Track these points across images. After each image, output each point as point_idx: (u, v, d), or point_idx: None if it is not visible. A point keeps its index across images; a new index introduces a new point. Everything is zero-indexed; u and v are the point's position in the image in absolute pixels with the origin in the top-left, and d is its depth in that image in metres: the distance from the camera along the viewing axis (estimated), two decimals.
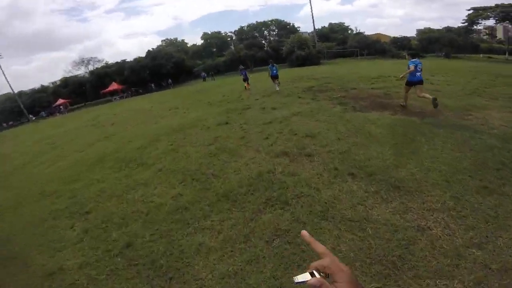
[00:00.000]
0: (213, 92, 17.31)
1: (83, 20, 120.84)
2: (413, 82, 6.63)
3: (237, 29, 55.01)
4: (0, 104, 50.39)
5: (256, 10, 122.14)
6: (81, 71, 48.38)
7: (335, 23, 55.01)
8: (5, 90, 52.15)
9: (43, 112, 42.86)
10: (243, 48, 39.08)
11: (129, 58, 46.06)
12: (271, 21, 54.71)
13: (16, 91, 51.63)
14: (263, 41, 46.87)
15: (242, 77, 16.24)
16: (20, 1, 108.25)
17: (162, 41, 64.19)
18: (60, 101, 40.88)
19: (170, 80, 39.27)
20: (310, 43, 36.90)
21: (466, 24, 40.34)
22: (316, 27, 45.20)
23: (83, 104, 44.68)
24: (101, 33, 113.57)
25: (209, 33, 59.81)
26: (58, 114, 39.79)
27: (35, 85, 53.05)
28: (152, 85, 39.09)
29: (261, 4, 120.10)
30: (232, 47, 49.17)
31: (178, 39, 66.17)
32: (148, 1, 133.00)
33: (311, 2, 44.46)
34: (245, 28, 57.34)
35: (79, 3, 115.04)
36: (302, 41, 36.48)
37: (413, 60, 6.61)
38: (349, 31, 52.40)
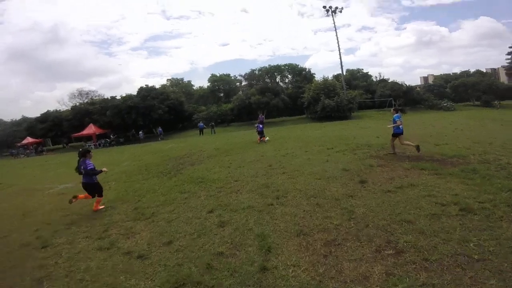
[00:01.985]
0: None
1: (110, 54, 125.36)
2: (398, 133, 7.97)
3: (246, 72, 50.75)
4: None
5: (265, 59, 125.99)
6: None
7: (354, 69, 50.41)
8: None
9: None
10: (255, 93, 32.66)
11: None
12: (285, 65, 50.45)
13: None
14: (279, 85, 40.91)
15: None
16: (59, 28, 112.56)
17: (167, 80, 60.25)
18: (28, 140, 33.89)
19: (140, 132, 32.00)
20: (340, 90, 30.33)
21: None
22: (328, 76, 39.35)
23: (62, 146, 37.60)
24: (123, 70, 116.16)
25: (217, 75, 55.68)
26: (21, 155, 32.47)
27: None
28: (140, 132, 31.87)
29: (270, 54, 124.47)
30: (241, 92, 43.51)
31: (185, 80, 62.68)
32: (169, 43, 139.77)
33: (338, 39, 38.24)
34: (256, 71, 52.95)
35: (110, 36, 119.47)
36: (329, 86, 29.79)
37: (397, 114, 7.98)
38: (372, 78, 47.15)
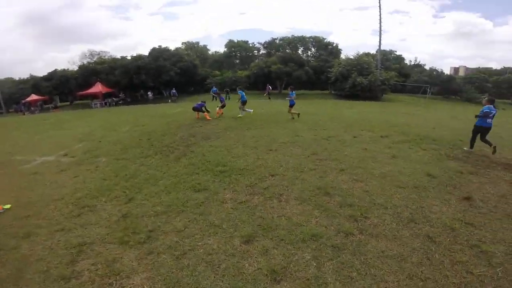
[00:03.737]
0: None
1: (127, 19, 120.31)
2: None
3: (266, 40, 46.48)
4: None
5: (283, 31, 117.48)
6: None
7: (386, 50, 45.28)
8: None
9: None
10: (276, 62, 29.20)
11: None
12: (310, 37, 45.72)
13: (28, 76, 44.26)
14: (306, 57, 37.06)
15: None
16: None
17: (182, 43, 56.37)
18: (33, 97, 32.27)
19: (150, 92, 29.75)
20: (374, 69, 26.67)
21: None
22: (348, 56, 34.11)
23: (69, 103, 36.11)
24: (139, 34, 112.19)
25: (235, 41, 51.59)
26: (26, 113, 31.17)
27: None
28: (149, 93, 29.69)
29: (289, 26, 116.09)
30: (260, 60, 39.94)
31: (200, 44, 58.73)
32: (185, 8, 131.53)
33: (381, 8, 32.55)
34: (277, 40, 48.60)
35: (126, 1, 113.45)
36: (363, 64, 26.10)
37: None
38: (406, 62, 42.50)
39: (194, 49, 55.60)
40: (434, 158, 5.67)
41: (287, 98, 11.30)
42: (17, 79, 46.44)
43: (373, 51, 39.20)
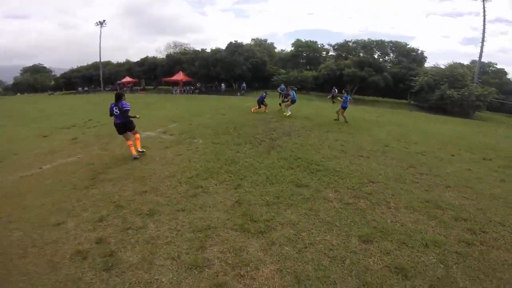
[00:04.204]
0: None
1: (202, 14, 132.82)
2: None
3: (338, 42, 44.56)
4: (85, 69, 52.70)
5: (354, 33, 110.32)
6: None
7: (484, 62, 38.67)
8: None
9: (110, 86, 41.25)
10: (350, 65, 27.81)
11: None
12: (389, 42, 41.99)
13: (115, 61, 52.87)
14: (382, 62, 34.53)
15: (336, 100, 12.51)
16: None
17: (251, 39, 58.40)
18: (127, 79, 37.93)
19: (223, 84, 31.19)
20: (470, 82, 23.25)
21: None
22: (437, 65, 29.81)
23: (153, 87, 41.42)
24: (212, 29, 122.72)
25: (303, 40, 50.92)
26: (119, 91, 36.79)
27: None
28: (223, 85, 31.84)
29: (361, 29, 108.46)
30: (331, 61, 38.57)
31: (268, 42, 59.82)
32: (255, 6, 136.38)
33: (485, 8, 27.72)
34: (350, 43, 46.08)
35: None
36: (457, 75, 23.03)
37: None
38: (508, 77, 35.59)
39: (262, 46, 56.99)
40: None
41: (338, 99, 11.39)
42: (115, 63, 55.09)
43: (464, 61, 33.90)
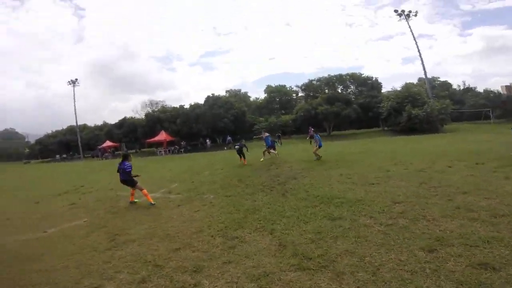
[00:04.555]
0: None
1: (171, 70, 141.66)
2: None
3: (304, 82, 48.78)
4: (61, 134, 51.23)
5: (313, 72, 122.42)
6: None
7: (429, 77, 43.97)
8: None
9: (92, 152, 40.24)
10: (322, 103, 30.20)
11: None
12: (346, 75, 46.83)
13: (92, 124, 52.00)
14: (350, 95, 37.85)
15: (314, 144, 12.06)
16: (130, 45, 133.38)
17: (226, 91, 61.72)
18: (108, 143, 37.49)
19: (208, 140, 32.14)
20: (426, 98, 26.01)
21: None
22: (388, 89, 34.37)
23: (134, 151, 40.80)
24: (182, 85, 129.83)
25: (273, 86, 55.09)
26: (101, 158, 35.91)
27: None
28: (207, 141, 32.33)
29: (317, 67, 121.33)
30: (303, 102, 41.47)
31: (242, 91, 63.72)
32: (221, 58, 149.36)
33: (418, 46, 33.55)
34: (314, 82, 50.51)
35: (170, 52, 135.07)
36: (415, 94, 25.73)
37: None
38: (454, 88, 40.51)
39: (237, 96, 60.40)
40: None
41: (311, 140, 12.87)
42: (92, 126, 53.89)
43: (412, 80, 38.13)
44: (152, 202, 6.70)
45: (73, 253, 4.11)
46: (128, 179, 6.85)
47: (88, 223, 5.75)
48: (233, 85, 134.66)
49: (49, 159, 45.37)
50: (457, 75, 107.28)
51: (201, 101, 37.37)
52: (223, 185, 8.33)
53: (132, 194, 7.08)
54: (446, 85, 42.31)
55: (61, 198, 8.94)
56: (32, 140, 64.95)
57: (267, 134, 13.45)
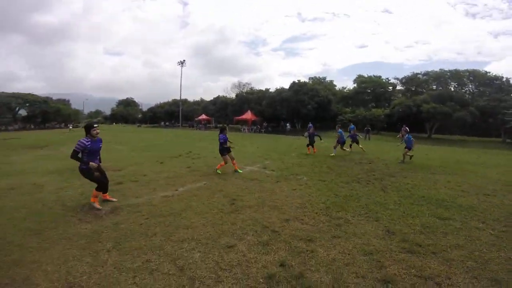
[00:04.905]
0: None
1: (257, 54, 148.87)
2: None
3: (404, 76, 42.78)
4: (168, 105, 62.23)
5: (415, 64, 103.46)
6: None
7: None
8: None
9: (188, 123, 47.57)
10: (429, 100, 25.93)
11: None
12: (465, 71, 38.46)
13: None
14: (466, 95, 31.79)
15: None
16: (226, 30, 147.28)
17: (309, 78, 60.28)
18: (203, 116, 43.11)
19: (288, 124, 32.21)
20: None
21: None
22: None
23: (223, 125, 45.68)
24: (265, 69, 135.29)
25: (365, 76, 50.28)
26: (196, 128, 41.75)
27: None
28: (287, 124, 33.23)
29: (423, 58, 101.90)
30: (402, 96, 36.89)
31: (327, 80, 60.69)
32: (304, 44, 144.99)
33: None
34: (420, 75, 43.71)
35: (257, 37, 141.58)
36: None
37: None
38: None
39: (322, 84, 57.99)
40: None
41: (402, 141, 11.34)
42: (191, 101, 63.41)
43: None
44: (239, 171, 8.05)
45: (204, 212, 4.64)
46: (222, 148, 7.93)
47: (208, 185, 6.45)
48: (315, 72, 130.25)
49: (156, 124, 56.23)
50: None
51: (281, 86, 38.43)
52: (313, 169, 8.65)
53: (234, 164, 8.11)
54: None
55: (177, 160, 10.26)
56: (144, 108, 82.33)
57: (340, 129, 12.91)
